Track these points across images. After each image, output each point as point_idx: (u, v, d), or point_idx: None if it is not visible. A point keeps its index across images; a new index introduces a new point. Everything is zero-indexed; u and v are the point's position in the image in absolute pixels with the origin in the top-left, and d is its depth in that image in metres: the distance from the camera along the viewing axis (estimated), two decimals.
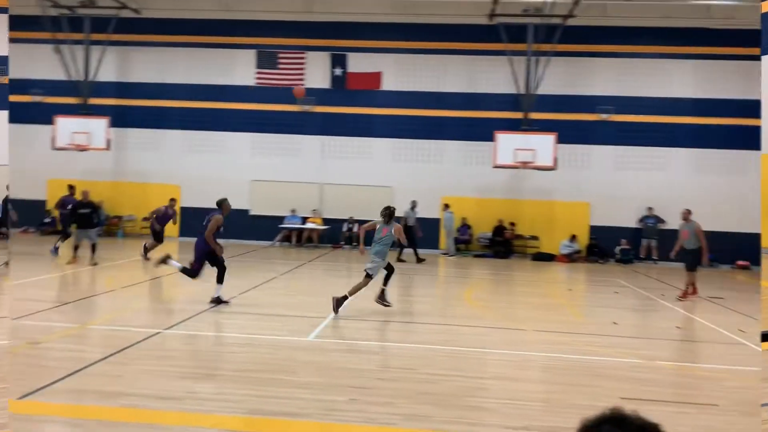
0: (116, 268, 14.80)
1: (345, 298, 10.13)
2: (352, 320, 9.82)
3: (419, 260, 18.65)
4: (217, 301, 10.41)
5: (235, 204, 22.20)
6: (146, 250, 15.99)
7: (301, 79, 22.36)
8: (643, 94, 21.39)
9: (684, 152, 21.28)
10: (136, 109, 22.87)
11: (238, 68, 22.70)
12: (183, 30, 22.66)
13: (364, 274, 10.32)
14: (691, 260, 13.22)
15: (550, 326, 10.12)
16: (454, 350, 8.24)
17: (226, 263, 10.63)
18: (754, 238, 19.29)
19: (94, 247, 14.74)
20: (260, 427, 5.41)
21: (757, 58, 20.86)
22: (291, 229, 21.97)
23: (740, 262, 20.17)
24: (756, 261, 20.24)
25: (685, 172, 21.28)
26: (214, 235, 10.38)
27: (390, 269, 10.57)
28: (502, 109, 21.62)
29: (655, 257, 20.94)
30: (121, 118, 22.15)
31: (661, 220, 20.98)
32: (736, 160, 21.04)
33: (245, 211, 22.13)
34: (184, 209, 22.88)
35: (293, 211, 22.09)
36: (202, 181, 22.41)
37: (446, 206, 21.27)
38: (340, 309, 10.00)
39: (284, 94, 22.40)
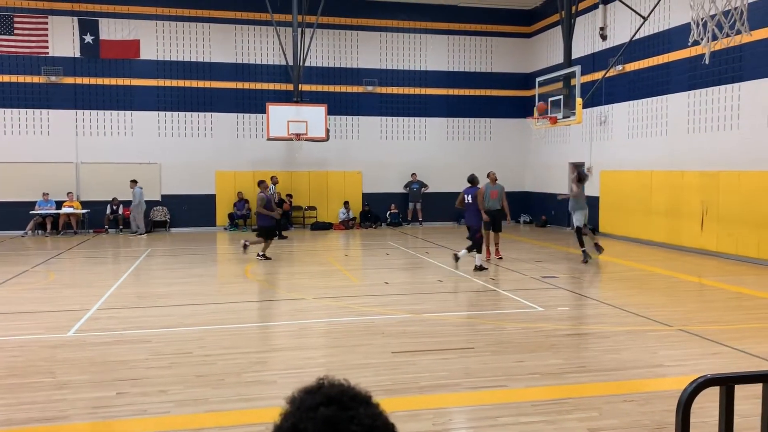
0: None
1: (597, 245, 13.42)
2: (119, 309, 9.16)
3: (281, 237, 18.45)
4: (480, 268, 12.15)
5: None
6: (264, 256, 14.19)
7: (44, 47, 19.90)
8: (402, 67, 22.71)
9: (438, 121, 23.12)
10: None
11: None
12: None
13: (581, 230, 13.26)
14: (499, 221, 14.07)
15: (328, 292, 10.44)
16: (232, 328, 8.11)
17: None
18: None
19: None
20: None
21: (499, 34, 23.34)
22: (44, 216, 19.69)
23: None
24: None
25: (440, 139, 23.16)
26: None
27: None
28: (273, 80, 21.51)
29: (420, 219, 22.65)
30: None
31: (424, 185, 22.67)
32: (481, 126, 23.42)
33: None
34: None
35: (46, 195, 19.78)
36: None
37: (134, 182, 19.72)
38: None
39: (24, 63, 19.81)
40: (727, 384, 2.54)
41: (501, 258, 14.03)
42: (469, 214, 12.67)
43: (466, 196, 12.58)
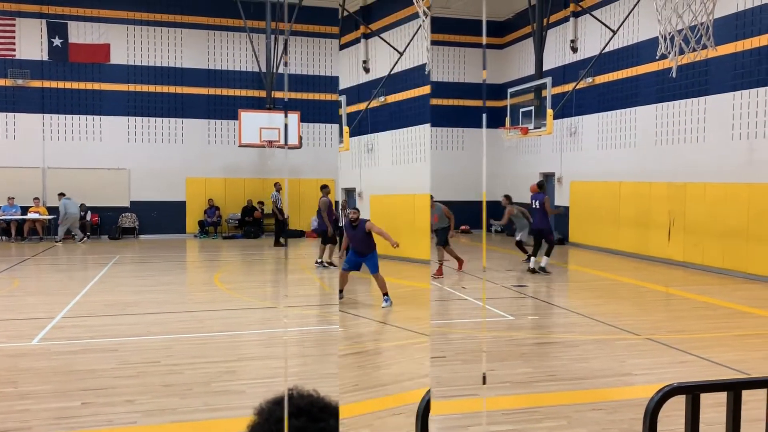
0: None
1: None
2: (86, 318, 8.98)
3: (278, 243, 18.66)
4: (544, 270, 12.73)
5: None
6: (327, 263, 14.22)
7: (11, 49, 19.50)
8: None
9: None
10: None
11: None
12: None
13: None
14: (442, 236, 13.16)
15: (300, 301, 10.37)
16: (200, 337, 7.99)
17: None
18: (476, 205, 21.95)
19: None
20: None
21: (471, 45, 23.54)
22: (9, 221, 19.23)
23: (463, 227, 22.75)
24: (475, 225, 23.10)
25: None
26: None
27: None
28: (246, 87, 21.40)
29: None
30: None
31: None
32: (453, 136, 23.57)
33: None
34: None
35: (11, 199, 19.33)
36: None
37: (62, 194, 18.98)
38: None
39: None
40: (692, 392, 2.58)
41: (441, 276, 12.74)
42: (536, 219, 13.13)
43: (534, 201, 12.99)
